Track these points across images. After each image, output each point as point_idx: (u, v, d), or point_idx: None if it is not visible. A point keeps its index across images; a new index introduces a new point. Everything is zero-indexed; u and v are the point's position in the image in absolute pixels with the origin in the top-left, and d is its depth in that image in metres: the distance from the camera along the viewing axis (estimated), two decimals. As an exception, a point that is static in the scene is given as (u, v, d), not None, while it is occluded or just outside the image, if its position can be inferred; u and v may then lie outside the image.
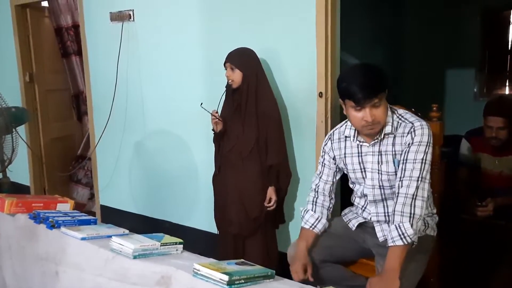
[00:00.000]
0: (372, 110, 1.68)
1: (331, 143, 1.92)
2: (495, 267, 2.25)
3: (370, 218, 1.88)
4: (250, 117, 2.35)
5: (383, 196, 1.83)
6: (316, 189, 1.95)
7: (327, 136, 1.97)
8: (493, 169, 2.58)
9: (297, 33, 2.49)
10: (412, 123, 1.73)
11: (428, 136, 1.71)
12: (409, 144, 1.71)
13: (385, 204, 1.84)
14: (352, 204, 2.01)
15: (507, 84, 4.93)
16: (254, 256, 2.35)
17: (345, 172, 1.92)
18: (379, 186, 1.82)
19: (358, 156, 1.85)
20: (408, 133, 1.73)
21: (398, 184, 1.70)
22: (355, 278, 1.98)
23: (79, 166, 4.17)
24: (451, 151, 2.72)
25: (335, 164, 1.92)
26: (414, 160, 1.69)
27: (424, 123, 1.74)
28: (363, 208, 1.92)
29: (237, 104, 2.37)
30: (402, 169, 1.71)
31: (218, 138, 2.46)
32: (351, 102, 1.69)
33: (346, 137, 1.87)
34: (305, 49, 2.46)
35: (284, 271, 1.75)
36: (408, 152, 1.71)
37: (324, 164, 1.94)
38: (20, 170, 4.03)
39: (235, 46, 2.42)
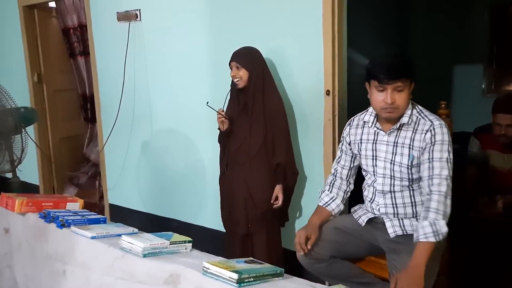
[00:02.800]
0: (393, 93, 1.73)
1: (349, 129, 1.98)
2: (504, 265, 2.24)
3: (379, 209, 1.89)
4: (257, 116, 2.35)
5: (392, 187, 1.84)
6: (335, 173, 2.03)
7: (347, 123, 2.03)
8: (502, 167, 2.56)
9: (304, 31, 2.48)
10: (432, 122, 1.77)
11: (448, 135, 1.76)
12: (430, 142, 1.74)
13: (393, 196, 1.85)
14: (362, 201, 2.02)
15: (515, 80, 4.88)
16: (259, 253, 2.35)
17: (359, 157, 1.95)
18: (390, 176, 1.84)
19: (373, 143, 1.88)
20: (427, 130, 1.76)
21: (428, 183, 1.72)
22: (364, 275, 1.98)
23: (84, 168, 4.19)
24: (459, 148, 2.69)
25: (351, 150, 1.97)
26: (440, 159, 1.72)
27: (442, 122, 1.78)
28: (371, 201, 1.93)
29: (243, 103, 2.37)
30: (429, 167, 1.73)
31: (224, 137, 2.45)
32: (375, 82, 1.74)
33: (364, 122, 1.92)
34: (312, 47, 2.45)
35: (289, 268, 1.75)
36: (433, 151, 1.73)
37: (342, 149, 2.01)
38: (30, 170, 4.07)
39: (241, 45, 2.42)
